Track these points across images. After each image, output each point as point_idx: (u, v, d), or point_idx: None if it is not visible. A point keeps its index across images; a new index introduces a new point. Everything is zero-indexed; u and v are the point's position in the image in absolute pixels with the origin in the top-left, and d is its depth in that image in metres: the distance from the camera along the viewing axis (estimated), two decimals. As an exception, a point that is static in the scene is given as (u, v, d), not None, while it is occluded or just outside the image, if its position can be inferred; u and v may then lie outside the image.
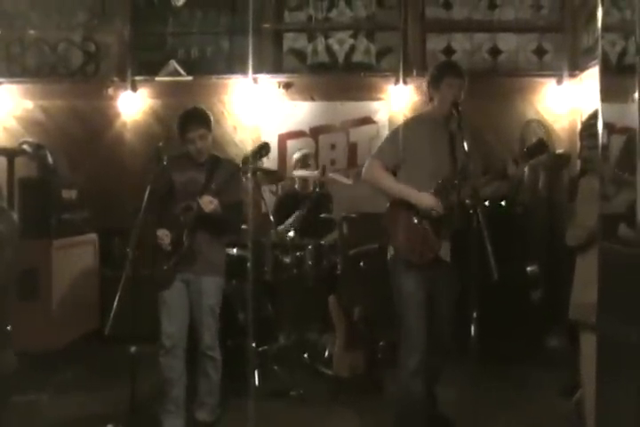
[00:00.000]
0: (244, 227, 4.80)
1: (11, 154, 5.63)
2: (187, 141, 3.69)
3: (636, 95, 2.52)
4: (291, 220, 4.96)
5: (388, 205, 3.55)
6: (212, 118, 3.77)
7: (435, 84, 3.53)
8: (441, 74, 3.52)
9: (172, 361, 3.63)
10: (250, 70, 6.10)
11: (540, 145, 3.40)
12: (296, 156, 5.46)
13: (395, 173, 3.55)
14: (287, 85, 6.21)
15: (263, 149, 3.59)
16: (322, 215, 4.97)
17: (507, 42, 6.43)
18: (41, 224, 5.05)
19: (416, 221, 3.44)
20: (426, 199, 3.38)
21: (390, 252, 3.53)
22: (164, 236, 3.61)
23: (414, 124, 3.61)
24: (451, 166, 3.47)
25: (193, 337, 3.72)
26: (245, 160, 3.57)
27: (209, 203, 3.49)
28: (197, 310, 3.68)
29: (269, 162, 6.10)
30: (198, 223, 3.60)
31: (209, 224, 3.64)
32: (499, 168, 3.43)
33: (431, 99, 3.59)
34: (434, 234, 3.42)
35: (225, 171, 3.68)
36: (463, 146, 3.29)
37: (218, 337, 3.74)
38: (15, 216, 3.44)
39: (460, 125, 3.37)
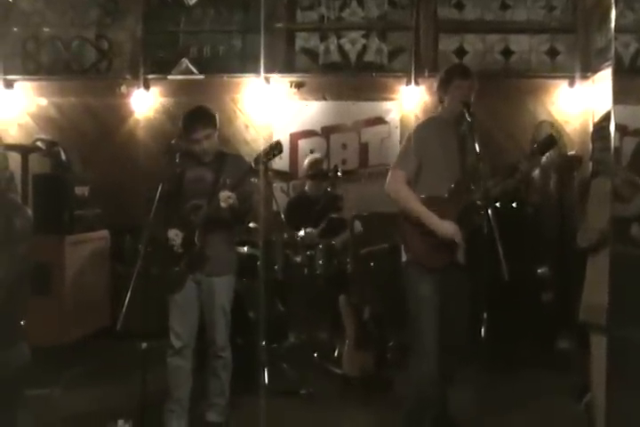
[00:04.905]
0: (254, 225, 4.84)
1: (25, 151, 5.68)
2: (193, 142, 3.60)
3: (649, 97, 2.52)
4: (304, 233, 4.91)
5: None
6: (217, 116, 3.67)
7: (444, 86, 3.54)
8: (450, 76, 3.53)
9: (179, 362, 3.62)
10: (262, 69, 6.08)
11: (549, 140, 3.43)
12: (307, 161, 5.46)
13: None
14: (299, 85, 6.21)
15: (275, 148, 3.52)
16: (332, 215, 4.97)
17: (519, 43, 6.42)
18: (54, 220, 5.09)
19: None
20: (447, 228, 3.32)
21: (405, 256, 3.49)
22: (175, 236, 3.54)
23: (426, 127, 3.61)
24: (463, 167, 3.47)
25: (202, 338, 3.68)
26: (258, 159, 3.50)
27: (227, 198, 3.38)
28: (209, 311, 3.63)
29: (281, 161, 6.13)
30: (209, 222, 3.54)
31: (220, 222, 3.58)
32: (509, 166, 3.44)
33: (441, 101, 3.60)
34: None
35: (234, 167, 3.59)
36: (474, 147, 3.30)
37: (228, 337, 3.70)
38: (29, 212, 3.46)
39: (471, 127, 3.39)
